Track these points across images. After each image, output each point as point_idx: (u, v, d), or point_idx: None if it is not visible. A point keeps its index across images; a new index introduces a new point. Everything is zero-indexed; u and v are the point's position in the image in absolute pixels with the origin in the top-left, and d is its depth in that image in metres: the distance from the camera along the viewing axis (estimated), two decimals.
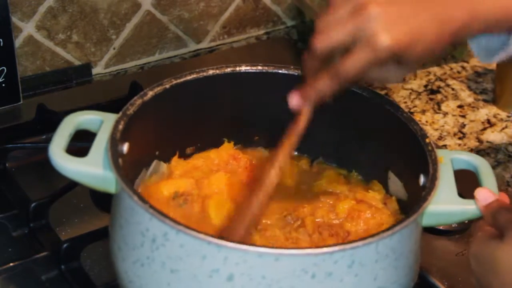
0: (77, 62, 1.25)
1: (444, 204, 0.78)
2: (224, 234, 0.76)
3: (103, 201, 0.89)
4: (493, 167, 1.13)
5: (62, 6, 1.20)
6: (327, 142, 0.95)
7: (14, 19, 1.16)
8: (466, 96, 1.30)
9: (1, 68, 1.13)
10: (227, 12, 1.37)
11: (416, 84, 1.32)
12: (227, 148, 0.95)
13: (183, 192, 0.87)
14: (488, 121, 1.25)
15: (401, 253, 0.75)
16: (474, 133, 1.22)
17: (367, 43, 0.77)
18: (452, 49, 1.36)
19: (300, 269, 0.70)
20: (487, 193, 0.78)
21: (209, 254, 0.70)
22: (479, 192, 0.78)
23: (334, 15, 0.80)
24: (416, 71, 1.33)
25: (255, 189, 0.80)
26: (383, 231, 0.72)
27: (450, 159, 0.84)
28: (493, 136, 1.22)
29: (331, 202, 0.88)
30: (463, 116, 1.26)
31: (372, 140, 0.92)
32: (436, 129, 1.22)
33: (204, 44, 1.38)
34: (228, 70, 0.91)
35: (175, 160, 0.92)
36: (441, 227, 0.99)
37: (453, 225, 0.99)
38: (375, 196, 0.89)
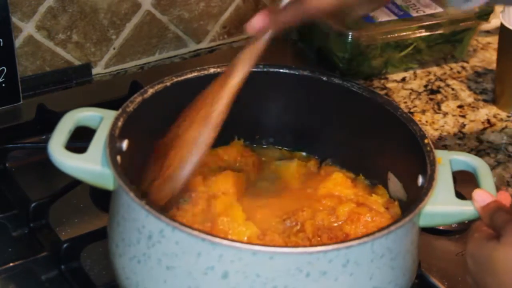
0: (77, 62, 1.25)
1: (442, 205, 0.79)
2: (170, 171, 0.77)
3: (103, 201, 0.89)
4: (493, 167, 1.14)
5: (62, 6, 1.20)
6: (332, 143, 0.95)
7: (14, 19, 1.16)
8: (466, 96, 1.30)
9: (1, 68, 1.13)
10: (227, 12, 1.37)
11: (416, 84, 1.32)
12: (237, 145, 0.95)
13: (190, 188, 0.86)
14: (488, 121, 1.25)
15: (398, 253, 0.75)
16: (474, 133, 1.22)
17: None
18: (452, 49, 1.36)
19: (295, 267, 0.70)
20: (485, 194, 0.78)
21: (204, 251, 0.70)
22: (476, 193, 0.78)
23: None
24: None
25: (200, 120, 0.79)
26: (379, 231, 0.72)
27: (448, 160, 0.84)
28: (493, 136, 1.22)
29: (332, 205, 0.88)
30: (463, 116, 1.26)
31: (372, 140, 0.92)
32: (436, 129, 1.22)
33: (204, 44, 1.38)
34: None
35: None
36: (441, 227, 0.99)
37: (453, 225, 0.99)
38: (377, 200, 0.89)
